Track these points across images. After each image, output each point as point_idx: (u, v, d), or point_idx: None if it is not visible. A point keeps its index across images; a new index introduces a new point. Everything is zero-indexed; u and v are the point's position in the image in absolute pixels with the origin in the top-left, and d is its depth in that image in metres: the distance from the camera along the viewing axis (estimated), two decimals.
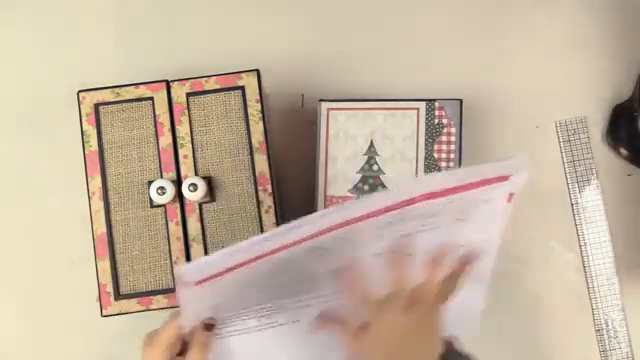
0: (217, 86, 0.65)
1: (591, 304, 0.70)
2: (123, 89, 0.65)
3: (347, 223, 0.43)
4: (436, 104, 0.68)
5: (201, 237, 0.64)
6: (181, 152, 0.64)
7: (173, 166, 0.64)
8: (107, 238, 0.64)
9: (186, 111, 0.65)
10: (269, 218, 0.64)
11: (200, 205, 0.64)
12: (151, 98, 0.65)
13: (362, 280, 0.49)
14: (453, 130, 0.67)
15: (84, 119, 0.65)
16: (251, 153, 0.64)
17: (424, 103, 0.68)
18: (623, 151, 0.71)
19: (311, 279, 0.50)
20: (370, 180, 0.68)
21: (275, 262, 0.44)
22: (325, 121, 0.69)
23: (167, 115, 0.65)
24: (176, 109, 0.65)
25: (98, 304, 0.63)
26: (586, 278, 0.71)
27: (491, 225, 0.49)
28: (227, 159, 0.65)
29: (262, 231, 0.63)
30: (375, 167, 0.68)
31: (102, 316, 0.63)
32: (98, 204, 0.64)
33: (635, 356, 0.69)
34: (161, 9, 0.77)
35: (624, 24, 0.73)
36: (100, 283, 0.63)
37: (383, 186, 0.68)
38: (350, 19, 0.76)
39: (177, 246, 0.63)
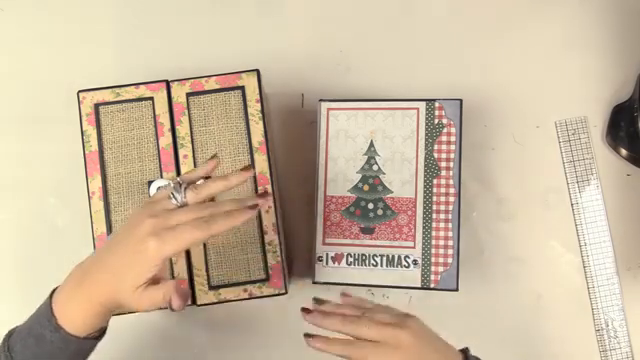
0: (217, 86, 0.65)
1: (591, 304, 0.70)
2: (123, 89, 0.65)
3: None
4: (436, 104, 0.68)
5: None
6: (181, 152, 0.64)
7: (173, 166, 0.64)
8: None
9: (186, 111, 0.65)
10: (269, 218, 0.64)
11: None
12: (151, 98, 0.65)
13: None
14: (453, 130, 0.67)
15: (84, 119, 0.65)
16: (251, 153, 0.64)
17: (424, 103, 0.68)
18: (623, 151, 0.71)
19: None
20: (370, 180, 0.68)
21: None
22: (325, 121, 0.69)
23: (167, 115, 0.65)
24: (176, 109, 0.65)
25: None
26: (586, 278, 0.71)
27: None
28: (227, 159, 0.65)
29: (262, 231, 0.63)
30: (375, 167, 0.68)
31: None
32: (98, 204, 0.64)
33: (635, 356, 0.69)
34: (161, 9, 0.77)
35: (623, 24, 0.74)
36: None
37: (383, 186, 0.68)
38: (350, 19, 0.76)
39: None
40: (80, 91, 0.65)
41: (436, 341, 0.52)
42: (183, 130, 0.65)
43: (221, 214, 0.49)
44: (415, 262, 0.66)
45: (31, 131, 0.76)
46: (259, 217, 0.64)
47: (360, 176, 0.68)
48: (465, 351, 0.53)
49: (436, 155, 0.67)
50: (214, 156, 0.55)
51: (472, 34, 0.74)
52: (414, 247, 0.67)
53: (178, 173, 0.64)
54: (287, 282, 0.64)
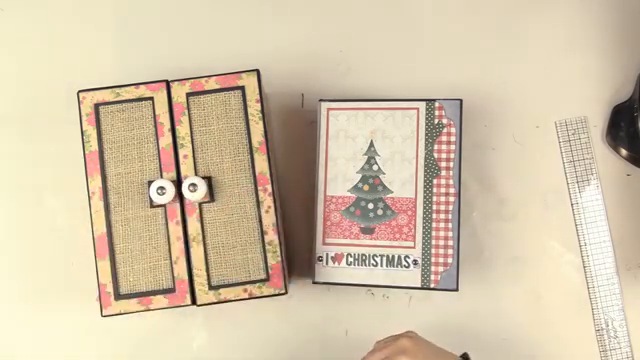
0: (217, 86, 0.65)
1: (591, 304, 0.70)
2: (123, 89, 0.65)
3: None
4: (436, 104, 0.68)
5: (201, 237, 0.64)
6: (181, 152, 0.64)
7: (173, 166, 0.64)
8: (107, 238, 0.64)
9: (186, 111, 0.65)
10: (269, 218, 0.64)
11: (200, 205, 0.64)
12: (151, 98, 0.65)
13: None
14: (453, 130, 0.67)
15: (84, 119, 0.65)
16: (251, 153, 0.64)
17: (424, 103, 0.68)
18: (623, 151, 0.71)
19: None
20: (370, 180, 0.68)
21: None
22: (325, 121, 0.69)
23: (167, 115, 0.65)
24: (176, 109, 0.65)
25: (98, 304, 0.63)
26: (586, 278, 0.71)
27: None
28: (227, 159, 0.65)
29: (262, 231, 0.63)
30: (375, 167, 0.68)
31: (102, 316, 0.63)
32: (98, 204, 0.64)
33: (635, 356, 0.69)
34: (161, 9, 0.77)
35: (624, 25, 0.74)
36: (100, 283, 0.63)
37: (383, 186, 0.68)
38: (350, 19, 0.76)
39: (177, 246, 0.63)
40: (80, 91, 0.65)
41: (435, 348, 0.56)
42: (183, 130, 0.65)
43: None
44: (415, 262, 0.66)
45: (31, 131, 0.76)
46: (259, 217, 0.64)
47: (360, 176, 0.68)
48: (465, 356, 0.54)
49: (436, 155, 0.67)
50: None
51: (472, 34, 0.74)
52: (414, 247, 0.67)
53: (178, 173, 0.64)
54: (287, 282, 0.64)
